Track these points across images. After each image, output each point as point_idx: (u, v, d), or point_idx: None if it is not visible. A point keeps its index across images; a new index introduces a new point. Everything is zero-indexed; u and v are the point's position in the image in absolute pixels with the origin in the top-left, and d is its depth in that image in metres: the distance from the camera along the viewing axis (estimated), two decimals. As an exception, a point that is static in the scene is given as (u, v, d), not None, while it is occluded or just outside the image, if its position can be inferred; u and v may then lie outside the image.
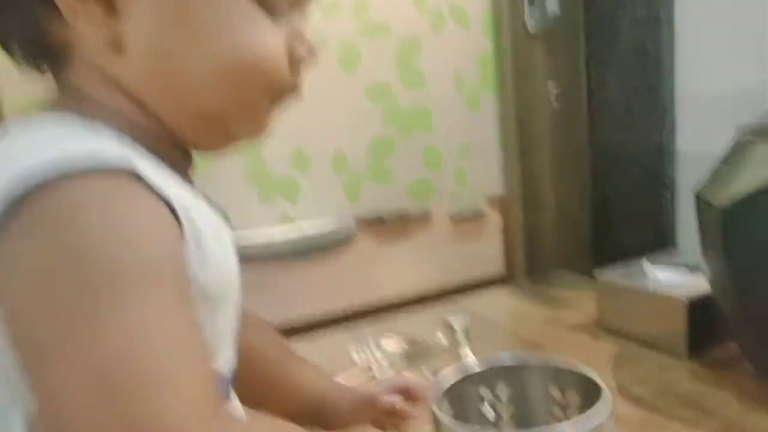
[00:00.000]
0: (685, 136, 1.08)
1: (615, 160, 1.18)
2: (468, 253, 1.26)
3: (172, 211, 0.34)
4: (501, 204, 1.28)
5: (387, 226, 1.25)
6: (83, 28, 0.38)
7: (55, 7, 0.37)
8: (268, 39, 0.39)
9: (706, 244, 0.75)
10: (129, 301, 0.30)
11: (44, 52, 0.40)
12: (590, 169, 1.23)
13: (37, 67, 0.41)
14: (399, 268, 1.21)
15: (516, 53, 1.19)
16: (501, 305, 1.16)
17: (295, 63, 0.41)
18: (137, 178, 0.33)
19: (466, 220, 1.33)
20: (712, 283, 0.77)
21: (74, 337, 0.29)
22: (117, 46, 0.38)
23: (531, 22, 1.17)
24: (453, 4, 1.16)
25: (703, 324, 0.85)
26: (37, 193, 0.30)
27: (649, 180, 1.13)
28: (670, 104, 1.08)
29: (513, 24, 1.18)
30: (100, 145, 0.34)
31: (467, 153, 1.21)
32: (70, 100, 0.39)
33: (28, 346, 0.30)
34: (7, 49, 0.41)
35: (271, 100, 0.42)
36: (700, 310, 0.85)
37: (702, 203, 0.75)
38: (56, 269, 0.30)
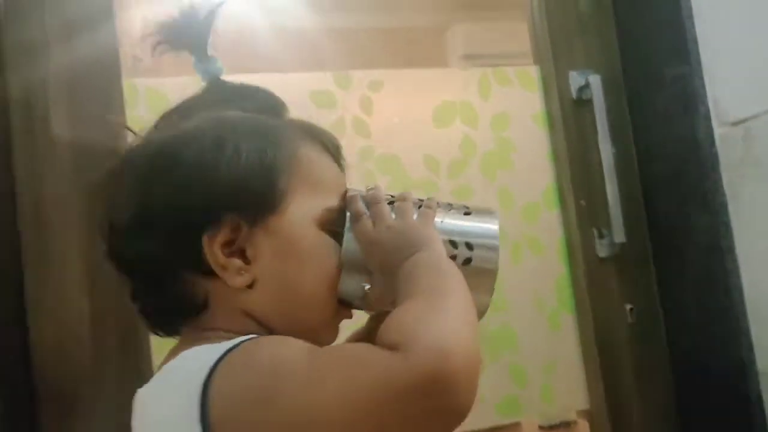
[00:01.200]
0: (765, 356, 1.12)
1: (697, 377, 1.22)
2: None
3: None
4: (588, 417, 1.32)
5: (477, 438, 1.30)
6: (230, 278, 0.54)
7: (199, 273, 0.54)
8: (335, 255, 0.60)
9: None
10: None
11: (188, 309, 0.56)
12: (673, 385, 1.27)
13: (171, 324, 0.57)
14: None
15: (590, 277, 1.30)
16: None
17: None
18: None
19: (554, 429, 1.37)
20: None
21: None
22: (250, 285, 0.55)
23: (601, 250, 1.29)
24: (529, 235, 1.30)
25: None
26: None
27: (733, 398, 1.16)
28: (745, 326, 1.14)
29: (585, 251, 1.30)
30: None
31: (552, 370, 1.28)
32: (201, 336, 0.54)
33: None
34: (149, 320, 0.58)
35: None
36: None
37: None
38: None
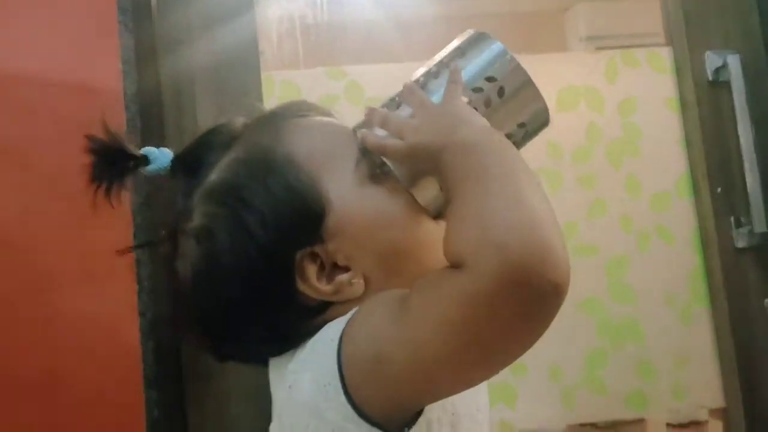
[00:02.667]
0: None
1: None
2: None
3: None
4: (723, 415, 1.26)
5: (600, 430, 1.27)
6: (349, 294, 0.54)
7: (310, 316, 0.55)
8: (402, 197, 0.56)
9: None
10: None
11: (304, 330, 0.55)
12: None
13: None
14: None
15: (726, 269, 1.23)
16: None
17: None
18: None
19: (683, 428, 1.31)
20: None
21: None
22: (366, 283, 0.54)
23: (739, 240, 1.22)
24: (658, 224, 1.25)
25: None
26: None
27: None
28: None
29: (721, 241, 1.23)
30: None
31: (683, 366, 1.23)
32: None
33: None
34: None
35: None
36: None
37: None
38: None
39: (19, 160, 0.90)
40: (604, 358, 1.21)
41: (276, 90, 1.19)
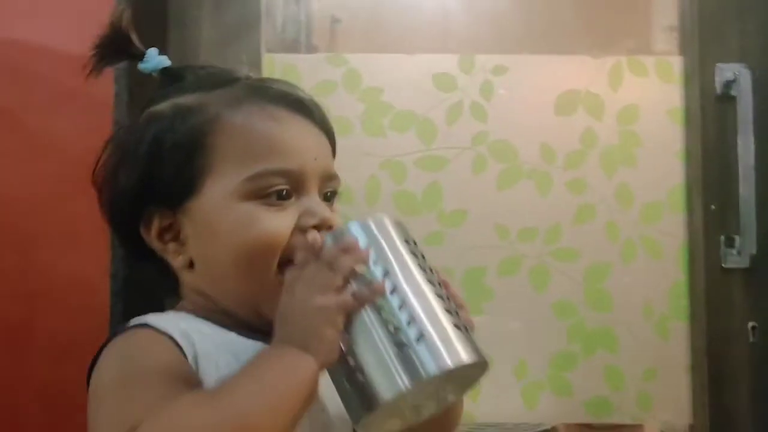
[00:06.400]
0: None
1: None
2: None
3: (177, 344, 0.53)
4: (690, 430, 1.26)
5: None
6: (172, 260, 0.60)
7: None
8: (268, 224, 0.55)
9: None
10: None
11: (168, 285, 0.62)
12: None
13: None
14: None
15: (711, 287, 1.22)
16: None
17: (304, 231, 0.56)
18: (152, 328, 0.54)
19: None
20: None
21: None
22: (190, 265, 0.59)
23: (727, 259, 1.20)
24: (646, 236, 1.25)
25: None
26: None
27: None
28: None
29: (708, 259, 1.22)
30: (155, 317, 0.56)
31: (653, 378, 1.23)
32: (182, 301, 0.61)
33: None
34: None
35: (280, 272, 0.55)
36: None
37: None
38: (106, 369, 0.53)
39: (11, 124, 0.99)
40: (573, 362, 1.23)
41: (276, 71, 1.23)
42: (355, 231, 0.52)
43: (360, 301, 0.49)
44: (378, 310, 0.49)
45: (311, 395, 0.49)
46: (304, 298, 0.50)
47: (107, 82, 0.98)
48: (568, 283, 1.24)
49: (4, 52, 1.02)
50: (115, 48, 0.64)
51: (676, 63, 1.27)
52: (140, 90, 1.12)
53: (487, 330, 1.19)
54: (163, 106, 0.61)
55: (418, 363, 0.47)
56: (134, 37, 0.65)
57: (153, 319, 0.55)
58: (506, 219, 1.24)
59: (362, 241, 0.51)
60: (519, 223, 1.24)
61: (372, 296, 0.49)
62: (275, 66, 1.24)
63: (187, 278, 0.60)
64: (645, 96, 1.26)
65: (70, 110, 0.94)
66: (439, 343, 0.48)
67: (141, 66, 0.65)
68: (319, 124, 0.62)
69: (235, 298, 0.58)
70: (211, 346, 0.55)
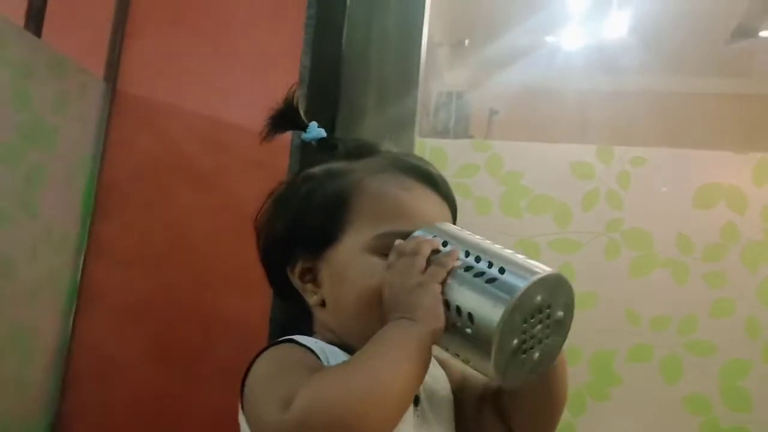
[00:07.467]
0: None
1: None
2: None
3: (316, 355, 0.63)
4: None
5: None
6: (307, 298, 0.69)
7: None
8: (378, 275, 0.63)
9: None
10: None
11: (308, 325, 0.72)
12: None
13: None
14: None
15: None
16: None
17: None
18: (297, 343, 0.63)
19: None
20: None
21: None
22: (323, 304, 0.67)
23: None
24: (792, 335, 1.20)
25: None
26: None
27: None
28: None
29: None
30: (298, 337, 0.65)
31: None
32: (315, 334, 0.69)
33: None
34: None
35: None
36: None
37: None
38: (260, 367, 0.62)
39: (207, 185, 1.21)
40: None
41: (426, 154, 1.37)
42: (423, 231, 0.64)
43: (445, 267, 0.59)
44: (463, 269, 0.59)
45: (426, 360, 0.57)
46: (402, 282, 0.60)
47: (284, 156, 1.17)
48: (702, 377, 1.21)
49: (207, 127, 1.26)
50: (284, 118, 0.74)
51: (827, 162, 1.24)
52: (308, 163, 1.31)
53: (611, 417, 1.20)
54: (317, 169, 0.72)
55: (510, 284, 0.56)
56: (301, 111, 0.75)
57: (296, 337, 0.67)
58: (638, 305, 1.25)
59: (430, 235, 0.63)
60: (651, 311, 1.25)
61: (452, 260, 0.60)
62: (426, 149, 1.38)
63: (319, 315, 0.70)
64: (793, 193, 1.24)
65: (254, 177, 1.13)
66: (519, 266, 0.58)
67: (303, 136, 0.75)
68: (443, 195, 0.70)
69: (356, 333, 0.65)
70: (340, 360, 0.65)
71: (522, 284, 0.56)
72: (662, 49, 1.59)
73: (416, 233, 0.64)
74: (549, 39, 1.67)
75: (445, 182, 0.71)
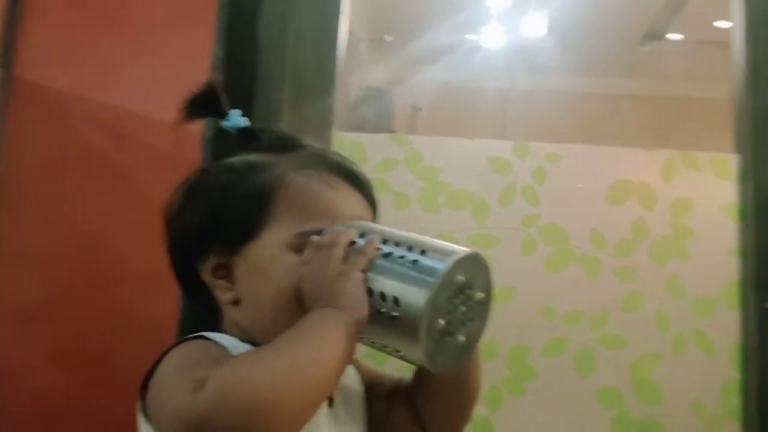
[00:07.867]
0: None
1: None
2: None
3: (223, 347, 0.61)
4: None
5: None
6: (219, 295, 0.66)
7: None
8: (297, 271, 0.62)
9: None
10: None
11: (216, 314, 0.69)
12: None
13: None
14: None
15: (765, 388, 1.18)
16: None
17: None
18: (208, 339, 0.62)
19: None
20: None
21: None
22: (236, 302, 0.65)
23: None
24: (697, 330, 1.23)
25: None
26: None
27: None
28: None
29: (762, 359, 1.19)
30: (207, 333, 0.63)
31: (701, 479, 1.19)
32: (224, 331, 0.66)
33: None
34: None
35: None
36: None
37: None
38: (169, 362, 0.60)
39: (113, 180, 1.15)
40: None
41: (345, 148, 1.34)
42: (340, 227, 0.64)
43: (365, 254, 0.59)
44: (383, 257, 0.59)
45: (350, 349, 0.56)
46: (322, 275, 0.59)
47: (195, 149, 1.12)
48: (614, 371, 1.23)
49: (113, 119, 1.20)
50: (203, 103, 0.72)
51: (731, 160, 1.29)
52: (222, 156, 1.27)
53: (528, 411, 1.21)
54: (237, 160, 0.69)
55: (431, 266, 0.57)
56: (223, 98, 0.72)
57: (207, 334, 0.63)
58: (553, 301, 1.27)
59: (344, 229, 0.63)
60: (566, 306, 1.26)
61: (371, 247, 0.60)
62: (344, 143, 1.36)
63: (230, 313, 0.67)
64: (699, 191, 1.28)
65: (164, 171, 1.08)
66: (439, 248, 0.59)
67: (223, 123, 0.72)
68: (366, 195, 0.70)
69: (271, 334, 0.61)
70: None
71: (443, 264, 0.57)
72: (578, 50, 1.63)
73: (330, 228, 0.63)
74: (470, 37, 1.68)
75: (368, 183, 0.70)
